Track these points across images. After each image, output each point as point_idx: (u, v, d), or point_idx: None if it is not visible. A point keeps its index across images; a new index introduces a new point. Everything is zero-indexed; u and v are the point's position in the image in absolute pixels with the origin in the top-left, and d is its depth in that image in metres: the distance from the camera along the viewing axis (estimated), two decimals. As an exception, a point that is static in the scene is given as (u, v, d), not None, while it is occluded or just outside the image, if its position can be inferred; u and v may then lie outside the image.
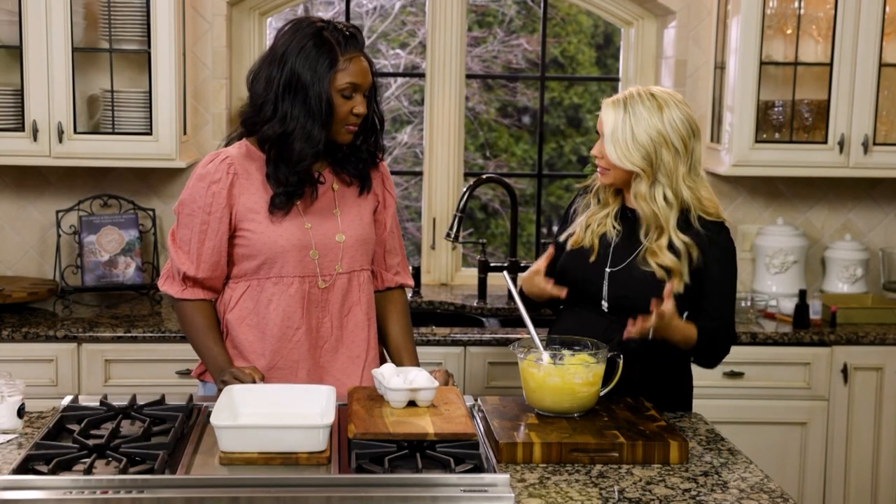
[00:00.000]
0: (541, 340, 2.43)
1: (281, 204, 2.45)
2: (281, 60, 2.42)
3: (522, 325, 2.49)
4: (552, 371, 2.33)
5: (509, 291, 2.55)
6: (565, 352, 2.42)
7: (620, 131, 2.48)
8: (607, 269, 2.56)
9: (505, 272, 2.57)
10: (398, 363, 2.58)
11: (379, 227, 2.64)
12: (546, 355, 2.39)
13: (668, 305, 2.38)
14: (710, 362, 2.62)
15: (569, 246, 2.63)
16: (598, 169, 2.59)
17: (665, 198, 2.50)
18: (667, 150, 2.48)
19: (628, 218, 2.60)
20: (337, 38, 2.42)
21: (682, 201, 2.51)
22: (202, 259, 2.47)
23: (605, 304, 2.57)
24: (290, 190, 2.44)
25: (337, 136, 2.46)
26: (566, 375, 2.31)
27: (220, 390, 2.36)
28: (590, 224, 2.62)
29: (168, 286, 2.53)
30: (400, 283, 2.70)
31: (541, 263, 2.57)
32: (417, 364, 2.62)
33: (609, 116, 2.51)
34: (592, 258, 2.58)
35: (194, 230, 2.47)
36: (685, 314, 2.54)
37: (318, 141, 2.41)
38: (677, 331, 2.45)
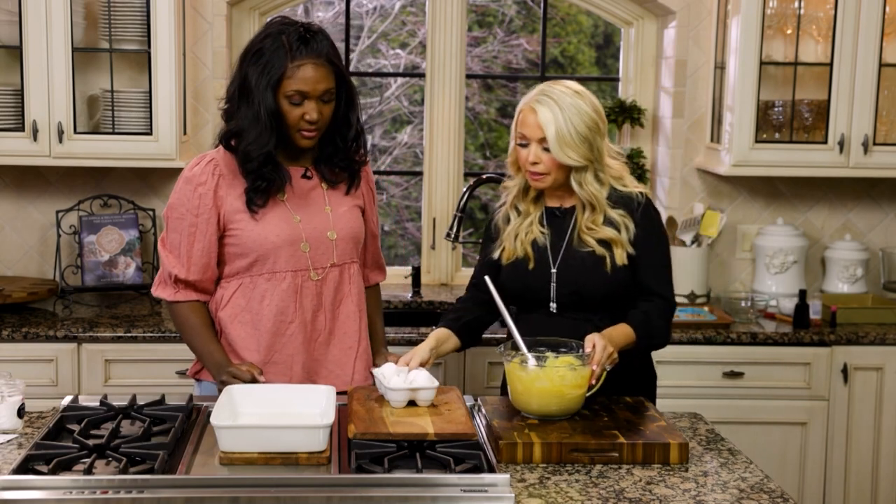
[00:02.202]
0: (525, 343, 2.39)
1: (252, 200, 2.47)
2: (241, 61, 2.47)
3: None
4: (540, 374, 2.30)
5: (491, 296, 2.52)
6: (549, 354, 2.39)
7: (565, 130, 2.45)
8: (553, 271, 2.55)
9: (486, 277, 2.57)
10: (376, 350, 2.66)
11: (368, 223, 2.67)
12: (532, 358, 2.36)
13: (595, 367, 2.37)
14: (658, 342, 2.59)
15: (504, 260, 2.61)
16: (532, 177, 2.52)
17: (599, 179, 2.52)
18: (599, 136, 2.50)
19: (555, 216, 2.59)
20: (291, 43, 2.41)
21: (609, 177, 2.54)
22: (192, 261, 2.50)
23: (553, 306, 2.56)
24: (255, 185, 2.46)
25: (294, 141, 2.48)
26: (554, 378, 2.28)
27: (219, 390, 2.36)
28: (518, 234, 2.60)
29: (161, 290, 2.56)
30: (377, 281, 2.80)
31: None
32: (386, 348, 2.69)
33: (546, 117, 2.45)
34: (531, 266, 2.56)
35: (183, 233, 2.49)
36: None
37: (265, 143, 2.42)
38: (619, 343, 2.45)
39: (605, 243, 2.52)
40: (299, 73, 2.40)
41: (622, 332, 2.49)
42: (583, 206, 2.53)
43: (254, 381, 2.36)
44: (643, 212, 2.55)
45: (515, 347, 2.39)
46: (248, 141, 2.43)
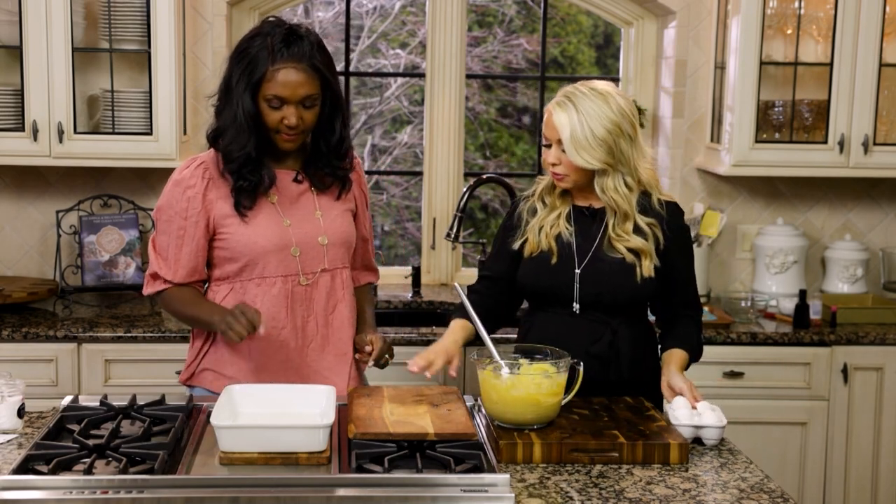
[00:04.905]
0: (499, 351, 2.36)
1: (238, 202, 2.45)
2: (229, 59, 2.46)
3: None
4: (516, 382, 2.25)
5: (461, 302, 2.51)
6: (523, 361, 2.36)
7: (580, 132, 2.43)
8: (577, 271, 2.53)
9: (456, 282, 2.55)
10: (360, 329, 2.64)
11: (359, 227, 2.66)
12: (505, 367, 2.31)
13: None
14: (699, 358, 2.66)
15: (526, 253, 2.59)
16: (553, 176, 2.53)
17: (627, 185, 2.50)
18: (623, 140, 2.47)
19: (584, 216, 2.57)
20: (274, 45, 2.38)
21: (641, 183, 2.53)
22: (180, 265, 2.49)
23: (576, 306, 2.54)
24: (238, 185, 2.45)
25: (276, 144, 2.46)
26: (529, 386, 2.24)
27: (223, 325, 2.34)
28: (542, 227, 2.58)
29: (150, 287, 2.55)
30: (370, 280, 2.78)
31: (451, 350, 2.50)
32: (374, 330, 2.66)
33: (562, 120, 2.45)
34: (554, 260, 2.54)
35: (171, 236, 2.48)
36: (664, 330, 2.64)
37: (244, 144, 2.41)
38: (683, 367, 2.55)
39: (635, 252, 2.51)
40: (279, 77, 2.38)
41: (682, 361, 2.55)
42: (613, 210, 2.52)
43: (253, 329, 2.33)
44: (676, 222, 2.56)
45: (490, 355, 2.36)
46: (228, 141, 2.42)
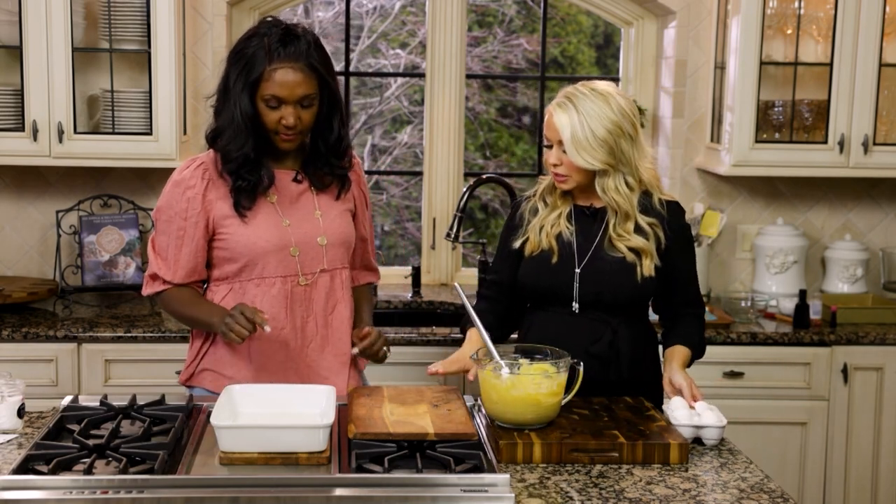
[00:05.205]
0: (499, 351, 2.36)
1: (238, 202, 2.45)
2: (227, 59, 2.45)
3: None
4: (516, 382, 2.25)
5: (462, 304, 2.51)
6: (523, 360, 2.36)
7: (581, 133, 2.43)
8: (577, 270, 2.53)
9: (456, 282, 2.55)
10: (357, 326, 2.61)
11: (358, 227, 2.65)
12: (505, 367, 2.30)
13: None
14: (702, 356, 2.66)
15: (527, 252, 2.59)
16: (555, 178, 2.52)
17: (628, 185, 2.49)
18: (624, 140, 2.46)
19: (585, 215, 2.57)
20: (271, 44, 2.38)
21: (642, 182, 2.52)
22: (179, 265, 2.49)
23: (575, 306, 2.54)
24: (237, 185, 2.44)
25: (274, 144, 2.46)
26: (529, 386, 2.24)
27: (223, 327, 2.35)
28: (543, 226, 2.57)
29: (150, 287, 2.55)
30: (370, 280, 2.77)
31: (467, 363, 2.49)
32: (371, 327, 2.63)
33: (562, 121, 2.45)
34: (555, 259, 2.54)
35: (171, 236, 2.48)
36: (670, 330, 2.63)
37: (242, 145, 2.41)
38: (685, 364, 2.55)
39: (636, 251, 2.51)
40: (276, 77, 2.37)
41: (685, 357, 2.55)
42: (614, 210, 2.51)
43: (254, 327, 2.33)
44: (677, 222, 2.55)
45: (490, 355, 2.36)
46: (226, 141, 2.42)
